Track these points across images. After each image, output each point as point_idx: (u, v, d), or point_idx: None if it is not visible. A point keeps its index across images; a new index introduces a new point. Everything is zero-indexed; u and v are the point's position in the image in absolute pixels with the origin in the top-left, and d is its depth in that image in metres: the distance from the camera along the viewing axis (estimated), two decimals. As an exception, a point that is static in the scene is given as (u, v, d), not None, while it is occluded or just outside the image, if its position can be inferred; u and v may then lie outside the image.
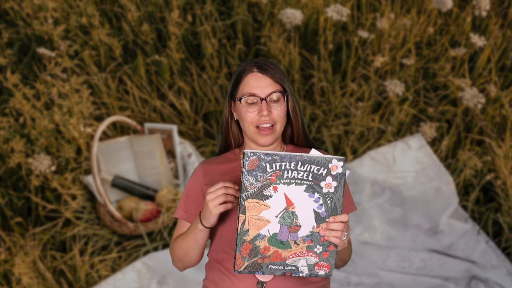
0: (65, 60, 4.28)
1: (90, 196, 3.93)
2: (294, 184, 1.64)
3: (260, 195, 1.65)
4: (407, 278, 3.54)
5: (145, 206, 3.80)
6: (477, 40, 4.40)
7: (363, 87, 4.31)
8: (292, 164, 1.63)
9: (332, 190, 1.65)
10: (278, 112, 1.86)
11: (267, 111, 1.84)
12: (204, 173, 1.92)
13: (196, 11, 4.64)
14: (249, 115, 1.86)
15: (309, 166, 1.64)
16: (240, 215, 1.65)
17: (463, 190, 3.95)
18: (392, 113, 4.22)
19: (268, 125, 1.85)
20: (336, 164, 1.64)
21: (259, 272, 1.69)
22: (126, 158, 4.01)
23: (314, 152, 1.68)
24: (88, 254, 3.66)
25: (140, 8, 4.67)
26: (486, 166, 3.97)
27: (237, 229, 1.66)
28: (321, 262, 1.69)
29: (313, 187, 1.65)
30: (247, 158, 1.63)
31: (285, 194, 1.65)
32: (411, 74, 4.38)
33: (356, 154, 4.10)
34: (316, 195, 1.65)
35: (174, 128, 4.01)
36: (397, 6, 4.64)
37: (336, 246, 1.68)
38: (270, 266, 1.69)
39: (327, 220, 1.66)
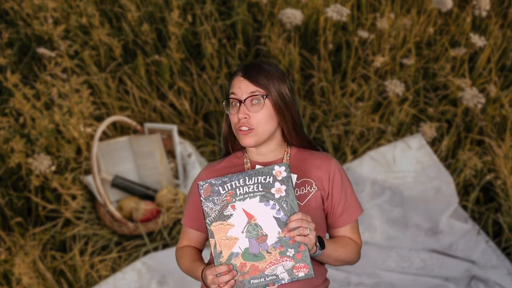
0: (65, 60, 4.28)
1: (90, 196, 3.94)
2: (248, 198, 1.76)
3: (222, 217, 1.76)
4: (407, 278, 3.54)
5: (145, 206, 3.80)
6: (477, 40, 4.40)
7: (363, 87, 4.31)
8: (241, 181, 1.77)
9: (283, 194, 1.76)
10: (256, 116, 1.87)
11: (243, 113, 1.87)
12: None
13: (196, 11, 4.64)
14: (231, 117, 1.91)
15: (256, 178, 1.77)
16: (210, 239, 1.76)
17: (463, 190, 3.95)
18: (392, 113, 4.22)
19: (245, 128, 1.88)
20: (279, 170, 1.77)
21: None
22: (126, 158, 4.02)
23: (258, 167, 1.86)
24: (88, 254, 3.66)
25: (140, 8, 4.68)
26: (486, 166, 3.97)
27: (212, 253, 1.76)
28: (298, 264, 1.74)
29: (266, 196, 1.76)
30: (201, 188, 1.78)
31: (243, 210, 1.76)
32: (411, 74, 4.38)
33: (356, 154, 4.10)
34: (271, 202, 1.76)
35: (174, 128, 4.01)
36: (397, 6, 4.64)
37: (306, 244, 1.74)
38: (251, 281, 1.75)
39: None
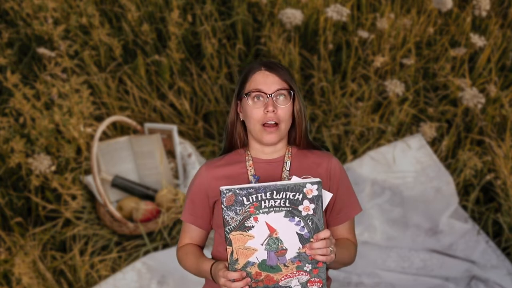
0: (65, 60, 4.28)
1: (90, 196, 3.93)
2: (273, 212, 1.69)
3: (243, 227, 1.70)
4: (407, 278, 3.54)
5: (145, 206, 3.80)
6: (477, 40, 4.41)
7: (363, 87, 4.31)
8: (268, 194, 1.68)
9: (311, 212, 1.69)
10: (283, 110, 1.86)
11: (273, 107, 1.85)
12: (210, 177, 1.92)
13: (196, 11, 4.64)
14: (255, 112, 1.87)
15: (284, 193, 1.68)
16: (227, 247, 1.71)
17: (463, 190, 3.95)
18: (392, 113, 4.22)
19: (273, 122, 1.86)
20: (311, 188, 1.68)
21: None
22: (126, 158, 4.01)
23: (294, 179, 1.74)
24: (88, 254, 3.66)
25: (140, 8, 4.67)
26: (486, 166, 3.97)
27: (227, 259, 1.71)
28: (313, 279, 1.73)
29: (292, 212, 1.69)
30: (223, 195, 1.68)
31: (266, 223, 1.69)
32: (411, 74, 4.38)
33: (356, 154, 4.10)
34: (296, 218, 1.69)
35: (174, 128, 4.01)
36: (397, 6, 4.64)
37: (325, 262, 1.71)
38: None
39: (311, 240, 1.70)
